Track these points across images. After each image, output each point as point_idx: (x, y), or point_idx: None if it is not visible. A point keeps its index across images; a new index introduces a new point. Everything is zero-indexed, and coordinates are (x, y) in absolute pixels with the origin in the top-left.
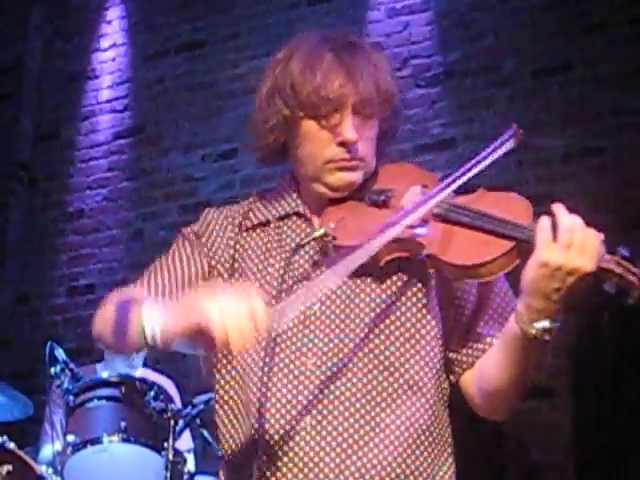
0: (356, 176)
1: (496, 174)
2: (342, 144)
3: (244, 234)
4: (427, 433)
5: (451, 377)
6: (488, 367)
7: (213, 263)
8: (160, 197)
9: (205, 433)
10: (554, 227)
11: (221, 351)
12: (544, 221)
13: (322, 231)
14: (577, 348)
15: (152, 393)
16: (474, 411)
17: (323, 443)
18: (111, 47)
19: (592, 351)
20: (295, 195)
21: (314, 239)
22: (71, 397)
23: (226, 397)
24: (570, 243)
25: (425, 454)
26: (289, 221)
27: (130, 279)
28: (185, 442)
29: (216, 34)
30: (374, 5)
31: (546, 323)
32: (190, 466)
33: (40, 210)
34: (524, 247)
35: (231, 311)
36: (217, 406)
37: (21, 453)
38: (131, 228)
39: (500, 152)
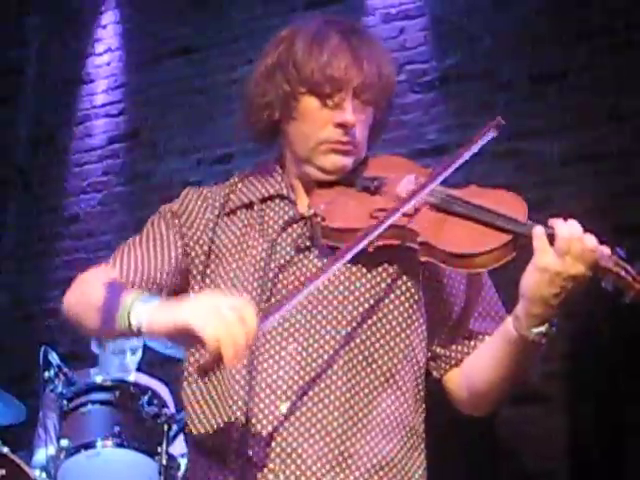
0: (348, 160)
1: (494, 179)
2: (340, 125)
3: (224, 217)
4: (402, 426)
5: (434, 373)
6: (479, 368)
7: (191, 243)
8: (155, 201)
9: None
10: (552, 235)
11: (214, 360)
12: (538, 229)
13: (312, 211)
14: (572, 353)
15: (146, 398)
16: (458, 411)
17: (304, 431)
18: (106, 51)
19: (587, 356)
20: (280, 178)
21: (302, 218)
22: (65, 401)
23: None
24: (567, 251)
25: (399, 446)
26: (272, 203)
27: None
28: (179, 447)
29: (212, 38)
30: (369, 10)
31: (543, 328)
32: (184, 471)
33: (35, 214)
34: (521, 242)
35: (222, 320)
36: (186, 384)
37: (14, 457)
38: (126, 232)
39: (483, 142)
